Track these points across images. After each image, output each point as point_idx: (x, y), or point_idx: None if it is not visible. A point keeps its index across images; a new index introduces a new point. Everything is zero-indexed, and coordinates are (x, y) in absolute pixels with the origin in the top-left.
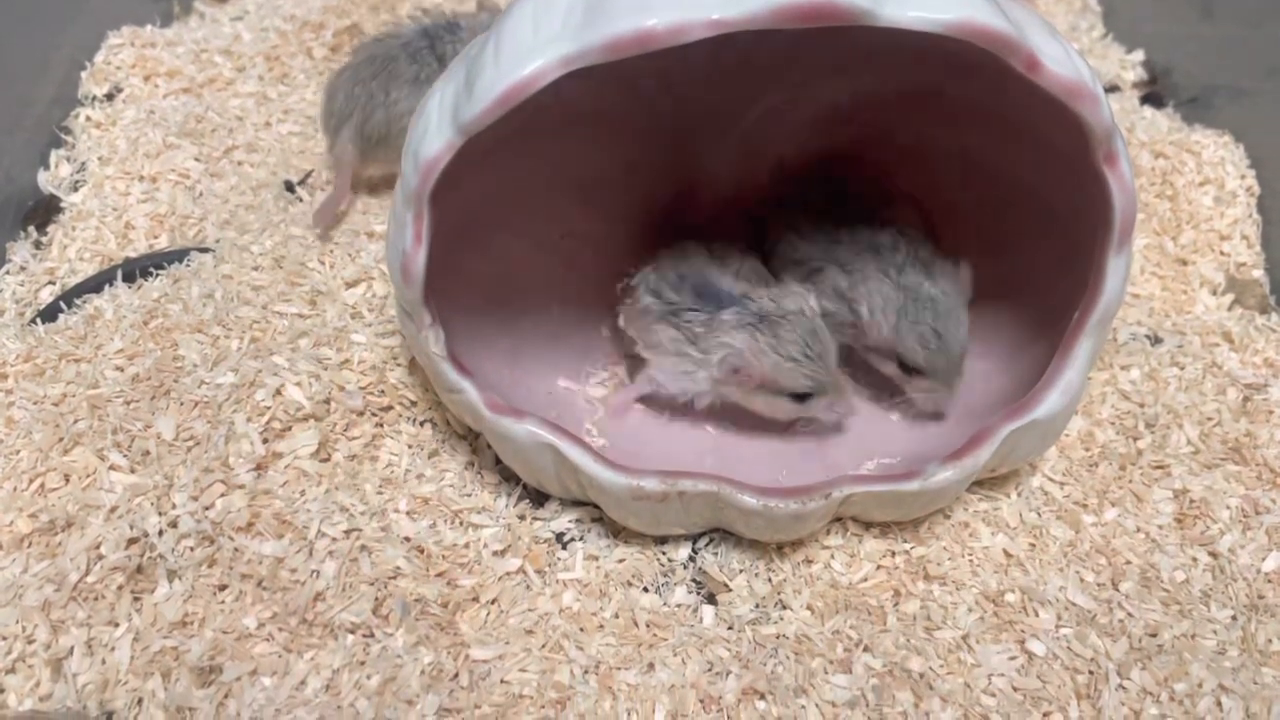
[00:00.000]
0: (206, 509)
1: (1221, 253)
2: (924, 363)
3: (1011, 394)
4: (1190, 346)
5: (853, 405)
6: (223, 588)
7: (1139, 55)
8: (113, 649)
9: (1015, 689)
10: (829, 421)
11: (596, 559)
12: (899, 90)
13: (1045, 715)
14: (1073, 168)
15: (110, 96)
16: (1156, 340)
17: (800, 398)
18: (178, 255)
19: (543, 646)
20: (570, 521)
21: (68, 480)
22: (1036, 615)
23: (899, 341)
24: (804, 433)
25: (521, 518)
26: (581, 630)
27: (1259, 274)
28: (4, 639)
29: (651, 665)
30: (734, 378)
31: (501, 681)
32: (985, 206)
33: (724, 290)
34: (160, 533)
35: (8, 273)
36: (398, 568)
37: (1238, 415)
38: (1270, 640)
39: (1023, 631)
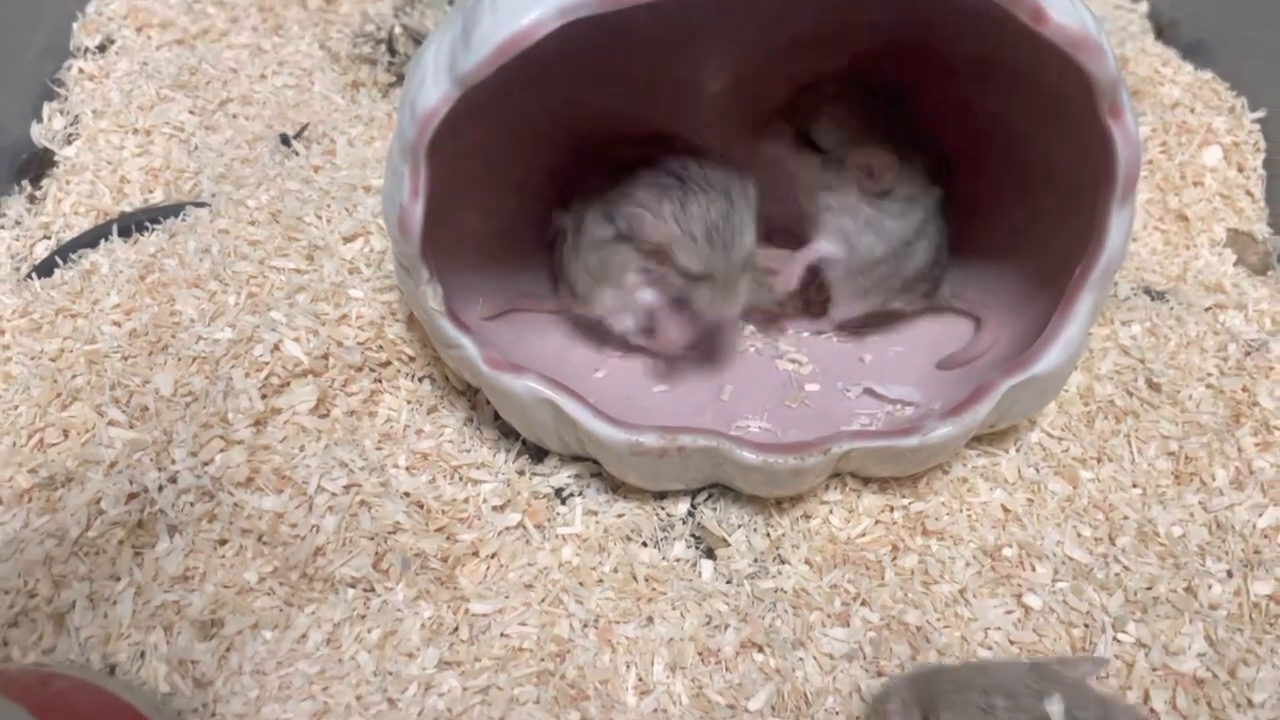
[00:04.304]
0: (206, 464)
1: (1224, 208)
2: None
3: (1012, 349)
4: (1191, 303)
5: (738, 312)
6: (223, 542)
7: (1143, 6)
8: (115, 603)
9: (1011, 642)
10: (708, 316)
11: (595, 514)
12: (900, 40)
13: None
14: (1076, 120)
15: (103, 48)
16: (1158, 296)
17: (689, 278)
18: (173, 210)
19: (542, 600)
20: (569, 477)
21: (66, 435)
22: (1033, 569)
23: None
24: (691, 355)
25: (521, 473)
26: (581, 584)
27: (1262, 229)
28: (6, 593)
29: (650, 619)
30: (633, 232)
31: (501, 635)
32: (985, 159)
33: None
34: (160, 488)
35: (2, 227)
36: (397, 523)
37: (1237, 371)
38: (1265, 595)
39: (1020, 585)
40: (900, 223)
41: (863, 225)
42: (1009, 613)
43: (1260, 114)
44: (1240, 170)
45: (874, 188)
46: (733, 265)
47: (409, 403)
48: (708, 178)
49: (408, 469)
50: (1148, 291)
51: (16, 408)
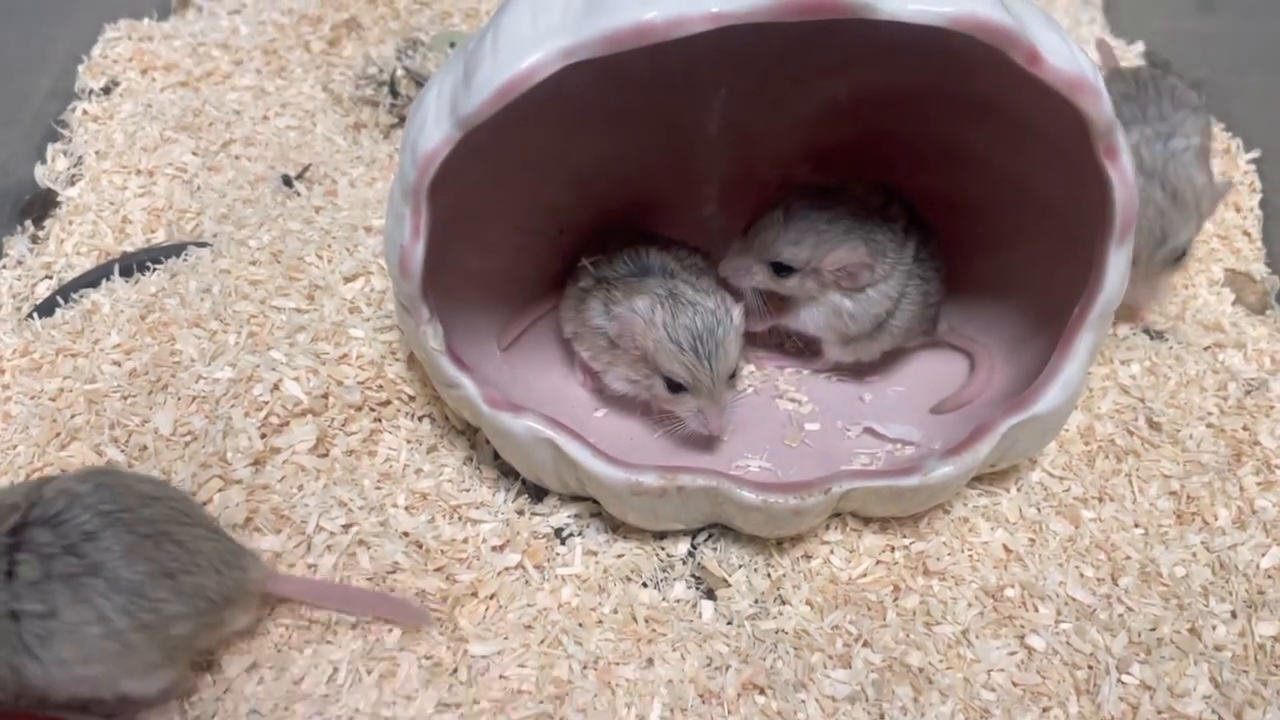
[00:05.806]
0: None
1: (1222, 248)
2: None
3: (1012, 388)
4: (1190, 342)
5: (725, 426)
6: None
7: (1139, 48)
8: None
9: (1015, 684)
10: (694, 429)
11: (595, 554)
12: (898, 84)
13: (1045, 710)
14: (1073, 161)
15: (107, 90)
16: (1157, 335)
17: (675, 389)
18: (175, 250)
19: (541, 642)
20: (569, 517)
21: None
22: (1036, 610)
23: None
24: (667, 431)
25: (520, 513)
26: (580, 625)
27: (1259, 269)
28: None
29: (650, 660)
30: (620, 338)
31: (500, 677)
32: (984, 200)
33: (654, 264)
34: None
35: (4, 267)
36: (396, 563)
37: (1237, 411)
38: (1270, 636)
39: (1022, 626)
40: (880, 301)
41: (845, 317)
42: (1012, 654)
43: (1255, 155)
44: (1237, 211)
45: (853, 286)
46: (717, 376)
47: (409, 442)
48: (699, 297)
49: (407, 508)
50: (1146, 331)
51: (15, 447)
